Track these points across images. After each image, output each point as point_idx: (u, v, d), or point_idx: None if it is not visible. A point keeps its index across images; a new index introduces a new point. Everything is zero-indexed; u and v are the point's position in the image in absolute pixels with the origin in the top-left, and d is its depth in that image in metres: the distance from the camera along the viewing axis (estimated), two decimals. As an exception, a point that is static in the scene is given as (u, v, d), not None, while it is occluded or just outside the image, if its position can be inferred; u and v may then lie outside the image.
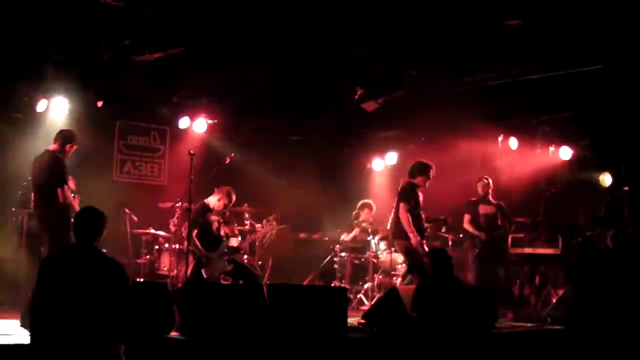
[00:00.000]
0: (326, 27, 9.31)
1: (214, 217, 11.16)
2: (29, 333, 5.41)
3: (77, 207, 8.67)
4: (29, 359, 5.41)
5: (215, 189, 11.29)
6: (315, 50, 10.18)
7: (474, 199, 12.23)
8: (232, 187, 11.28)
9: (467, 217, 12.05)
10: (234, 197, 11.30)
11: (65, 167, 8.75)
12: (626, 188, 11.17)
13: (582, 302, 3.71)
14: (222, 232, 11.23)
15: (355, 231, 13.05)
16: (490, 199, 12.17)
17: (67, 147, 8.96)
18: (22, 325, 7.36)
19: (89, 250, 5.40)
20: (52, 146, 8.89)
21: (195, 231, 10.67)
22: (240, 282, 10.79)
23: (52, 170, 8.66)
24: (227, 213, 11.51)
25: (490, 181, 12.22)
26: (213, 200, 11.19)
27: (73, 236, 5.49)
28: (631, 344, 3.54)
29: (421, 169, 10.79)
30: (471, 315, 8.87)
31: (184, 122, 13.05)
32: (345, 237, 13.10)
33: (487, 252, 11.79)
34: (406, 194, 10.69)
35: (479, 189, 12.21)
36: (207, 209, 11.13)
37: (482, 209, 12.01)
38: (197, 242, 10.64)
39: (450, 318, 8.45)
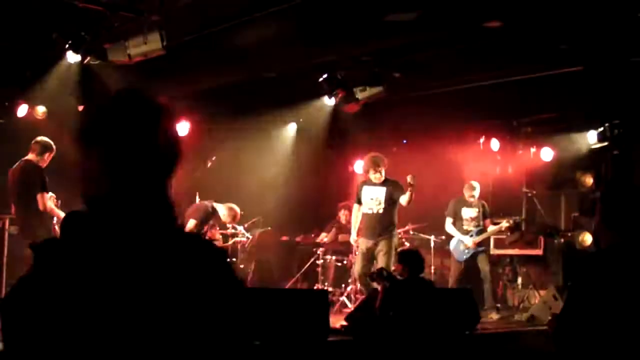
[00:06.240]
0: (307, 29, 9.30)
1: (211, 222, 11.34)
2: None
3: (59, 214, 8.66)
4: None
5: (228, 204, 11.32)
6: (297, 53, 10.17)
7: (457, 199, 12.11)
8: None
9: (449, 219, 11.95)
10: (238, 217, 11.44)
11: (44, 174, 8.71)
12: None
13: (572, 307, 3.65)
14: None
15: (333, 232, 13.07)
16: (474, 201, 12.03)
17: (46, 155, 8.90)
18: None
19: None
20: (29, 155, 8.83)
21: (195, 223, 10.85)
22: None
23: (31, 178, 8.61)
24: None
25: (479, 187, 12.10)
26: (221, 211, 11.26)
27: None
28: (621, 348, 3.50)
29: None
30: (448, 315, 8.89)
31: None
32: (325, 237, 13.11)
33: (470, 254, 11.76)
34: None
35: (467, 194, 12.03)
36: (213, 213, 11.24)
37: (466, 212, 11.92)
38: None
39: (420, 319, 8.46)
